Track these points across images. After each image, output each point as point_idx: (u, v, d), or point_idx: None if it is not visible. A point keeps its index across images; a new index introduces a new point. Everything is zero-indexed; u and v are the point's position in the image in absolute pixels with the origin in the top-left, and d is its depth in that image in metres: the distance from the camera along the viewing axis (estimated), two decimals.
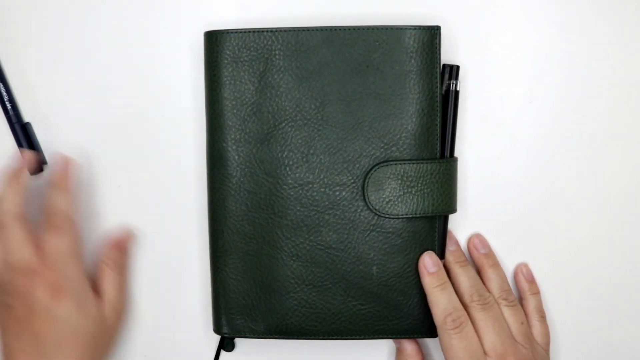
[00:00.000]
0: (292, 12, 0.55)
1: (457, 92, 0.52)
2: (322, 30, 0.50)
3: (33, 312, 0.49)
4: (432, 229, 0.50)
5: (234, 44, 0.50)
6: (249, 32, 0.50)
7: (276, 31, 0.50)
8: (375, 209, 0.50)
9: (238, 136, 0.50)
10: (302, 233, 0.50)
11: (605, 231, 0.55)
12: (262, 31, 0.50)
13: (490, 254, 0.54)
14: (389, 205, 0.49)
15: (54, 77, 0.56)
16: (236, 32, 0.50)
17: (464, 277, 0.51)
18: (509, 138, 0.55)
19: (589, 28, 0.54)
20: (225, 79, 0.50)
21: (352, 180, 0.50)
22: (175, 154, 0.55)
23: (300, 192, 0.50)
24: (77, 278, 0.51)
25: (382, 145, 0.50)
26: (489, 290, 0.52)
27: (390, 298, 0.50)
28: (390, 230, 0.50)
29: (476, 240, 0.54)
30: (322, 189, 0.50)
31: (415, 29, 0.49)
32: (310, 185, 0.50)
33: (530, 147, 0.55)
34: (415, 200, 0.49)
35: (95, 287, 0.53)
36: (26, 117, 0.56)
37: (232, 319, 0.52)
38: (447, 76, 0.52)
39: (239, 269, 0.51)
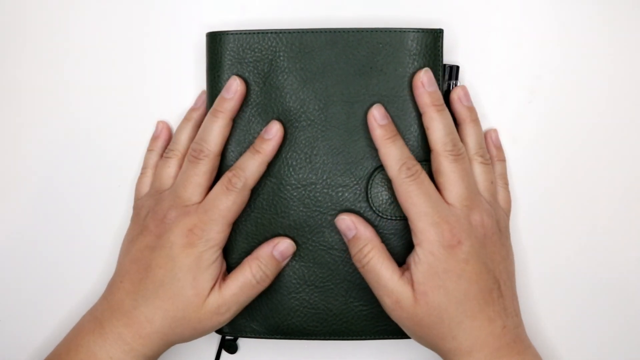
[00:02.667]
0: (294, 14, 0.55)
1: None
2: (326, 32, 0.50)
3: (160, 244, 0.48)
4: None
5: (237, 45, 0.50)
6: (253, 33, 0.50)
7: (280, 33, 0.50)
8: (378, 211, 0.50)
9: (241, 137, 0.50)
10: (305, 234, 0.51)
11: (605, 230, 0.55)
12: (266, 33, 0.50)
13: (472, 109, 0.52)
14: (391, 207, 0.50)
15: (54, 77, 0.56)
16: (239, 34, 0.50)
17: (440, 124, 0.48)
18: (509, 138, 0.55)
19: (589, 28, 0.55)
20: (228, 79, 0.50)
21: (355, 182, 0.50)
22: None
23: (303, 192, 0.50)
24: (214, 245, 0.48)
25: None
26: (465, 145, 0.50)
27: None
28: (392, 232, 0.50)
29: (461, 92, 0.51)
30: (325, 190, 0.50)
31: (418, 31, 0.49)
32: (313, 186, 0.50)
33: (529, 146, 0.55)
34: None
35: (225, 275, 0.49)
36: (26, 117, 0.56)
37: (233, 319, 0.52)
38: (447, 76, 0.52)
39: None
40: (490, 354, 0.45)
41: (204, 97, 0.53)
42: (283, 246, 0.50)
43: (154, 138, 0.55)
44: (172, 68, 0.55)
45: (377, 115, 0.49)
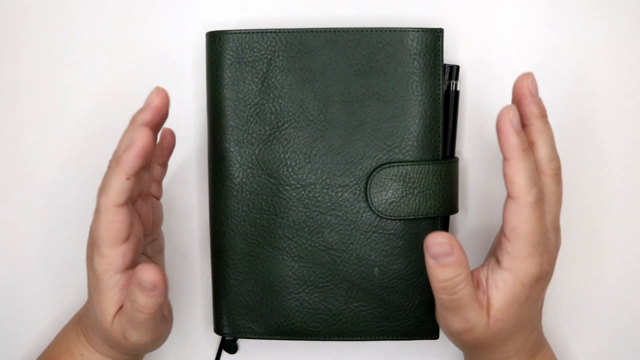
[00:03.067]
0: (293, 14, 0.55)
1: (457, 92, 0.53)
2: (325, 31, 0.50)
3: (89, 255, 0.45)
4: (434, 230, 0.50)
5: (237, 44, 0.50)
6: (252, 32, 0.50)
7: (279, 32, 0.50)
8: (378, 211, 0.50)
9: (240, 137, 0.50)
10: (304, 234, 0.50)
11: (605, 229, 0.55)
12: (266, 32, 0.50)
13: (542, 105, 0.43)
14: (391, 207, 0.50)
15: (54, 77, 0.56)
16: (239, 33, 0.50)
17: (548, 138, 0.42)
18: None
19: (588, 28, 0.55)
20: (227, 79, 0.50)
21: (355, 182, 0.50)
22: (177, 154, 0.55)
23: (303, 193, 0.50)
24: (107, 270, 0.43)
25: (385, 147, 0.50)
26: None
27: (392, 299, 0.50)
28: (392, 231, 0.50)
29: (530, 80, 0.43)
30: (325, 190, 0.50)
31: (418, 31, 0.49)
32: (313, 187, 0.50)
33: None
34: (417, 201, 0.49)
35: None
36: (26, 116, 0.56)
37: (233, 320, 0.52)
38: (447, 76, 0.52)
39: (240, 269, 0.51)
40: (524, 355, 0.46)
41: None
42: (140, 277, 0.41)
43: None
44: (172, 68, 0.55)
45: (514, 120, 0.41)
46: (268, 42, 0.50)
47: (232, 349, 0.55)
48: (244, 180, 0.50)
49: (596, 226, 0.55)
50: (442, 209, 0.50)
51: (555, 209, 0.44)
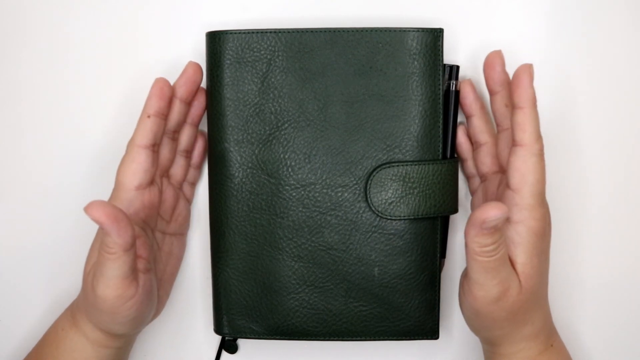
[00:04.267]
0: (293, 14, 0.55)
1: (457, 92, 0.53)
2: (325, 31, 0.50)
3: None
4: (434, 230, 0.50)
5: (237, 44, 0.50)
6: (252, 32, 0.50)
7: (279, 32, 0.50)
8: (378, 211, 0.50)
9: (240, 137, 0.50)
10: (304, 234, 0.50)
11: (605, 229, 0.55)
12: (265, 32, 0.50)
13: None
14: (391, 207, 0.50)
15: (54, 77, 0.56)
16: (239, 33, 0.50)
17: (535, 120, 0.46)
18: None
19: (588, 28, 0.55)
20: (227, 79, 0.50)
21: (355, 182, 0.50)
22: None
23: (302, 193, 0.50)
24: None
25: (385, 147, 0.50)
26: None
27: (392, 299, 0.50)
28: (392, 231, 0.50)
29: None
30: (324, 190, 0.50)
31: (418, 31, 0.49)
32: (313, 187, 0.50)
33: None
34: (417, 201, 0.49)
35: None
36: (26, 117, 0.56)
37: (233, 320, 0.52)
38: (447, 76, 0.52)
39: (240, 269, 0.51)
40: (547, 335, 0.48)
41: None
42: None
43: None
44: (172, 68, 0.55)
45: (531, 74, 0.45)
46: (268, 42, 0.50)
47: (232, 349, 0.55)
48: (243, 180, 0.50)
49: (595, 225, 0.55)
50: (442, 208, 0.50)
51: (541, 185, 0.46)
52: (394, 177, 0.49)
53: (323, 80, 0.50)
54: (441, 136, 0.50)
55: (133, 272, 0.45)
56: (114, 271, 0.44)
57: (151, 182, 0.50)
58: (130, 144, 0.49)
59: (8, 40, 0.56)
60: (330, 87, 0.50)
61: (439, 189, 0.50)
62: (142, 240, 0.49)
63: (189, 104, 0.51)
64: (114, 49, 0.56)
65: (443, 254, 0.53)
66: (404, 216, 0.49)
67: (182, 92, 0.50)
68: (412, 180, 0.49)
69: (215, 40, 0.50)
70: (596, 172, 0.55)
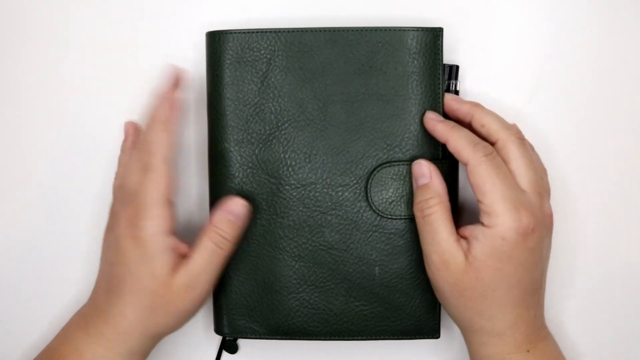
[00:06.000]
0: (293, 13, 0.55)
1: (457, 92, 0.53)
2: (325, 31, 0.50)
3: (114, 240, 0.48)
4: None
5: (237, 44, 0.50)
6: (252, 32, 0.50)
7: (279, 32, 0.50)
8: (378, 210, 0.50)
9: (240, 137, 0.50)
10: (305, 233, 0.50)
11: (605, 230, 0.55)
12: (265, 32, 0.50)
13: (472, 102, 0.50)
14: (392, 206, 0.50)
15: (54, 77, 0.56)
16: (238, 33, 0.50)
17: (493, 114, 0.49)
18: None
19: (588, 28, 0.55)
20: (227, 79, 0.50)
21: (355, 181, 0.50)
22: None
23: (303, 192, 0.50)
24: (157, 230, 0.46)
25: (385, 146, 0.50)
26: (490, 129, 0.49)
27: (393, 299, 0.50)
28: (393, 231, 0.50)
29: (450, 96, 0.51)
30: (325, 190, 0.50)
31: (418, 30, 0.49)
32: (313, 186, 0.50)
33: None
34: None
35: (185, 251, 0.48)
36: (26, 116, 0.56)
37: (233, 320, 0.52)
38: (446, 76, 0.52)
39: (240, 269, 0.51)
40: (520, 339, 0.46)
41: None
42: (232, 205, 0.49)
43: (124, 139, 0.54)
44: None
45: (432, 116, 0.49)
46: (268, 42, 0.50)
47: (232, 349, 0.55)
48: (244, 180, 0.50)
49: (595, 224, 0.55)
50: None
51: (529, 172, 0.46)
52: (394, 177, 0.49)
53: (323, 79, 0.50)
54: None
55: None
56: (221, 266, 0.49)
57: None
58: (157, 159, 0.47)
59: (8, 40, 0.56)
60: (330, 86, 0.50)
61: None
62: None
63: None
64: (114, 49, 0.56)
65: None
66: (405, 215, 0.50)
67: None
68: (412, 179, 0.49)
69: (215, 40, 0.50)
70: (596, 171, 0.55)
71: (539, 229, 0.45)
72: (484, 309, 0.46)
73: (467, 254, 0.45)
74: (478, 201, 0.46)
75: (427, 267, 0.48)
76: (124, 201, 0.48)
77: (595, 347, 0.56)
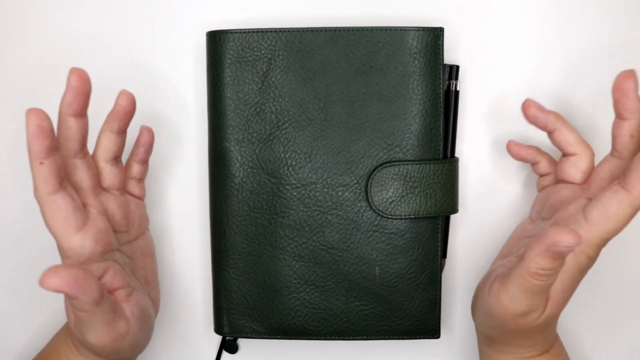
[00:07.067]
0: (294, 13, 0.55)
1: (457, 92, 0.53)
2: (326, 30, 0.50)
3: None
4: (435, 229, 0.50)
5: (237, 44, 0.50)
6: (252, 32, 0.50)
7: (280, 31, 0.50)
8: (378, 210, 0.50)
9: (241, 136, 0.50)
10: (305, 233, 0.50)
11: None
12: (266, 31, 0.50)
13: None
14: (392, 206, 0.50)
15: (54, 77, 0.56)
16: (239, 32, 0.50)
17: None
18: (509, 138, 0.55)
19: (589, 28, 0.55)
20: (228, 78, 0.50)
21: (355, 181, 0.50)
22: (177, 153, 0.55)
23: (303, 192, 0.50)
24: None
25: (385, 146, 0.50)
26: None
27: (393, 299, 0.50)
28: (393, 230, 0.50)
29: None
30: (325, 190, 0.50)
31: (418, 30, 0.49)
32: (313, 186, 0.50)
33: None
34: (418, 200, 0.49)
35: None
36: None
37: (233, 319, 0.52)
38: (447, 76, 0.52)
39: (240, 269, 0.51)
40: (547, 344, 0.47)
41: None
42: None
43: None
44: (173, 67, 0.55)
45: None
46: (268, 42, 0.50)
47: (232, 349, 0.55)
48: (244, 179, 0.50)
49: None
50: (442, 208, 0.50)
51: None
52: (394, 177, 0.49)
53: (323, 79, 0.50)
54: (442, 136, 0.50)
55: (117, 312, 0.43)
56: (97, 322, 0.42)
57: (87, 216, 0.44)
58: (38, 195, 0.42)
59: (8, 40, 0.56)
60: (331, 86, 0.50)
61: (440, 188, 0.50)
62: (112, 270, 0.45)
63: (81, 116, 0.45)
64: (114, 49, 0.56)
65: (444, 254, 0.53)
66: (405, 215, 0.50)
67: (67, 110, 0.44)
68: (412, 179, 0.49)
69: (216, 39, 0.50)
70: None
71: None
72: (535, 333, 0.46)
73: (549, 292, 0.43)
74: (585, 218, 0.43)
75: (502, 310, 0.44)
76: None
77: (593, 348, 0.56)
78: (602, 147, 0.55)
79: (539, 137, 0.55)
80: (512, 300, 0.43)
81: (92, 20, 0.56)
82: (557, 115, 0.48)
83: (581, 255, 0.43)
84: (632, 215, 0.42)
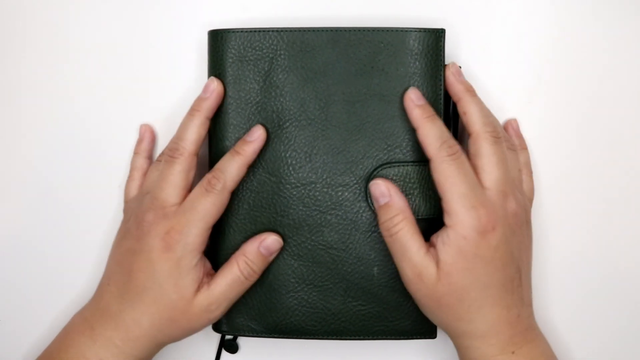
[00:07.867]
0: (295, 13, 0.55)
1: None
2: (327, 31, 0.50)
3: (140, 248, 0.48)
4: (434, 230, 0.50)
5: (239, 43, 0.50)
6: (254, 31, 0.50)
7: (282, 31, 0.50)
8: None
9: (241, 135, 0.50)
10: (304, 233, 0.51)
11: (605, 230, 0.55)
12: (268, 31, 0.50)
13: (469, 84, 0.50)
14: None
15: (54, 77, 0.56)
16: (241, 32, 0.50)
17: (477, 106, 0.48)
18: None
19: (588, 28, 0.55)
20: (229, 77, 0.50)
21: (355, 181, 0.50)
22: None
23: (303, 192, 0.50)
24: (193, 249, 0.47)
25: (386, 146, 0.50)
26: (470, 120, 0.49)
27: (391, 299, 0.51)
28: None
29: (453, 68, 0.50)
30: (325, 189, 0.50)
31: (420, 31, 0.49)
32: (313, 185, 0.50)
33: (530, 146, 0.55)
34: (417, 202, 0.49)
35: (211, 273, 0.49)
36: (26, 116, 0.56)
37: (231, 318, 0.52)
38: None
39: None
40: (503, 340, 0.46)
41: (213, 85, 0.50)
42: (269, 241, 0.49)
43: (139, 141, 0.55)
44: (174, 66, 0.55)
45: (413, 97, 0.48)
46: (270, 41, 0.50)
47: (232, 348, 0.55)
48: (244, 178, 0.50)
49: (594, 224, 0.55)
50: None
51: (496, 170, 0.46)
52: (394, 177, 0.49)
53: (325, 79, 0.50)
54: None
55: None
56: (242, 291, 0.50)
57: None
58: (226, 187, 0.48)
59: (8, 40, 0.56)
60: (332, 86, 0.50)
61: None
62: None
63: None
64: (115, 49, 0.56)
65: None
66: None
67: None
68: (412, 180, 0.49)
69: (218, 38, 0.50)
70: (596, 171, 0.55)
71: (500, 227, 0.46)
72: (462, 313, 0.46)
73: (438, 263, 0.46)
74: (441, 200, 0.46)
75: (403, 282, 0.48)
76: (157, 211, 0.48)
77: (590, 349, 0.56)
78: (603, 146, 0.55)
79: (539, 137, 0.55)
80: (401, 273, 0.48)
81: (92, 20, 0.56)
82: (468, 87, 0.50)
83: (457, 226, 0.45)
84: (447, 168, 0.46)
